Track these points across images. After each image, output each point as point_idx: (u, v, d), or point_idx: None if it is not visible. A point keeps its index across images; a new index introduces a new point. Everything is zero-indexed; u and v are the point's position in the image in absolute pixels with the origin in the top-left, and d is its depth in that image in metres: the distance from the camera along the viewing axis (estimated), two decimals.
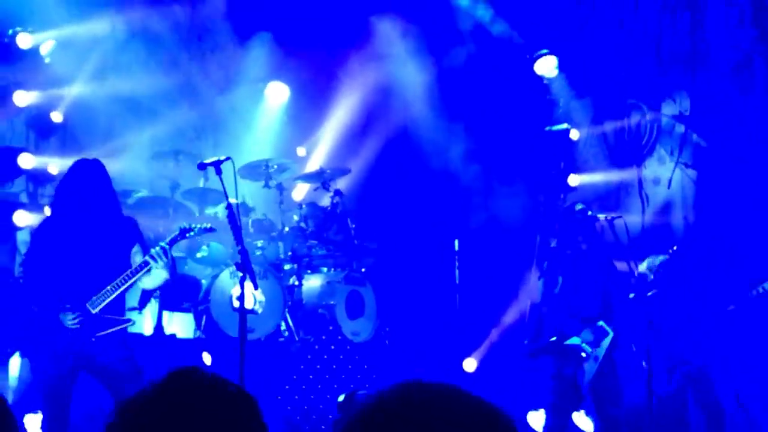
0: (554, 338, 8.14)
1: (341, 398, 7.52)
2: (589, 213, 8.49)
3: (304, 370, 9.52)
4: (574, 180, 11.60)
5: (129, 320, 6.86)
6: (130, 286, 6.78)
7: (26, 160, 9.96)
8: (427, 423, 1.61)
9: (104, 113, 11.61)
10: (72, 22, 10.99)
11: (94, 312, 6.68)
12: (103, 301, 6.68)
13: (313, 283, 10.60)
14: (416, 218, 12.50)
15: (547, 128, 11.75)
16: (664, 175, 11.41)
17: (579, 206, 8.58)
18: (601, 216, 9.08)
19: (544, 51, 11.64)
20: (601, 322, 8.17)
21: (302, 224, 10.77)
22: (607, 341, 8.12)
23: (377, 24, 12.77)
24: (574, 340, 8.10)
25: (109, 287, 6.69)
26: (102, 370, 6.85)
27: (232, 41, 12.78)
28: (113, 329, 6.70)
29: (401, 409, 1.65)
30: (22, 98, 9.78)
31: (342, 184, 11.16)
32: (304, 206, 10.98)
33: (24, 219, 9.86)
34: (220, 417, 1.96)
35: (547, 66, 11.68)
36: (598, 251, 8.61)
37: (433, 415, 1.62)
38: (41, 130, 10.99)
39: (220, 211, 10.21)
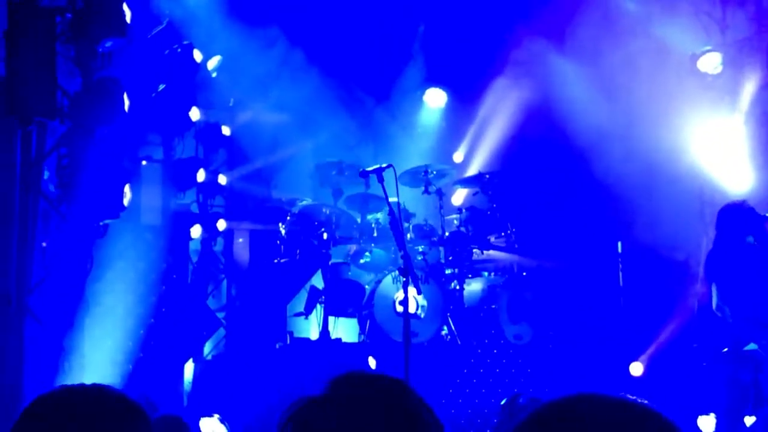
0: (726, 349, 7.88)
1: (503, 402, 7.51)
2: (755, 210, 8.17)
3: (467, 374, 9.56)
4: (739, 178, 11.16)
5: None
6: None
7: (201, 174, 10.40)
8: None
9: (268, 125, 11.99)
10: (235, 37, 11.39)
11: None
12: None
13: (474, 287, 10.65)
14: (577, 220, 12.32)
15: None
16: None
17: (743, 202, 8.28)
18: None
19: (708, 47, 11.28)
20: None
21: (462, 229, 10.82)
22: None
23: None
24: (752, 346, 7.81)
25: None
26: None
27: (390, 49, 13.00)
28: None
29: (565, 424, 1.58)
30: (195, 114, 10.18)
31: (501, 187, 11.15)
32: (463, 211, 11.04)
33: (197, 231, 10.28)
34: (390, 414, 2.02)
35: (710, 63, 11.30)
36: None
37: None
38: (210, 143, 11.42)
39: (382, 217, 10.37)
